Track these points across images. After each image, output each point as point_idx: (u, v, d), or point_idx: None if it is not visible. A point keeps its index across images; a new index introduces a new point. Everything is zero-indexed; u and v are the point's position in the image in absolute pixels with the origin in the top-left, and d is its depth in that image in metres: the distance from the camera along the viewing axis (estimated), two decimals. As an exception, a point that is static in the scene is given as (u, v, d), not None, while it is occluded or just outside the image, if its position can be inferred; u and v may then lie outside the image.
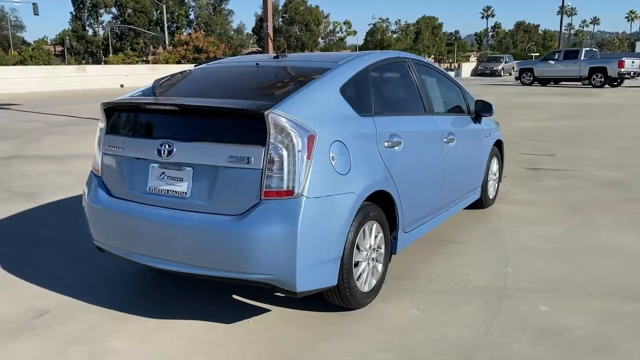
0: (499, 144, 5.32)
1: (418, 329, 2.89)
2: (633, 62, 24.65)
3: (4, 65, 49.24)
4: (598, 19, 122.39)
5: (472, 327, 2.90)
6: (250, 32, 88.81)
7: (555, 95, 20.59)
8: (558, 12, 51.20)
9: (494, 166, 5.28)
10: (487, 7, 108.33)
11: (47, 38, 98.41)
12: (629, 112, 14.57)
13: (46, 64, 52.25)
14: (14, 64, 53.47)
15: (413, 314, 3.06)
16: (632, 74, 24.86)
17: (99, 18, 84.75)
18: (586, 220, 4.84)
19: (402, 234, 3.44)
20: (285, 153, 2.59)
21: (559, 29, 51.08)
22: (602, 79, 24.60)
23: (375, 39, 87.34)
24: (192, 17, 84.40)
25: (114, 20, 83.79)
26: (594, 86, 24.79)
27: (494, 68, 41.12)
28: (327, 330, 2.88)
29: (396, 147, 3.30)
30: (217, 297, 3.26)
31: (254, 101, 2.76)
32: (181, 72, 3.60)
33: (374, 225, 3.10)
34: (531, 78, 27.30)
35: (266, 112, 2.59)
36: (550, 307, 3.13)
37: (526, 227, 4.65)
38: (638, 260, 3.86)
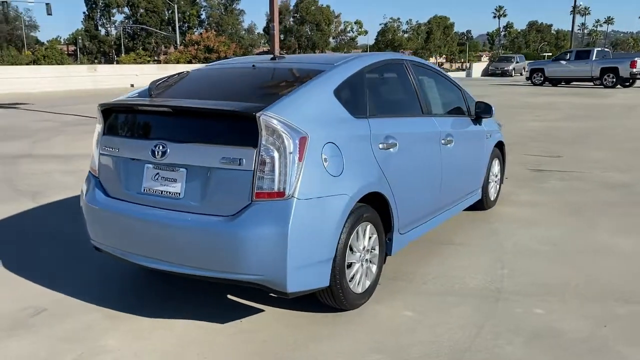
0: (500, 146, 5.30)
1: (411, 330, 2.89)
2: (645, 62, 24.32)
3: (17, 64, 49.90)
4: (612, 19, 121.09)
5: (465, 329, 2.90)
6: (262, 31, 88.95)
7: (566, 96, 20.39)
8: (571, 11, 50.63)
9: (495, 167, 5.26)
10: (499, 6, 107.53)
11: (60, 38, 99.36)
12: (640, 112, 14.42)
13: (59, 64, 52.66)
14: (27, 64, 54.01)
15: (406, 315, 3.07)
16: (644, 75, 24.52)
17: (112, 18, 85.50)
18: (587, 222, 4.80)
19: (397, 235, 3.43)
20: (276, 154, 2.61)
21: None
22: (614, 80, 24.30)
23: (386, 39, 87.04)
24: (203, 16, 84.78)
25: (126, 20, 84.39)
26: (606, 86, 24.49)
27: (505, 68, 40.74)
28: (319, 330, 2.89)
29: (391, 149, 3.30)
30: (211, 297, 3.29)
31: (246, 103, 2.78)
32: (178, 74, 3.63)
33: (368, 227, 3.10)
34: (542, 78, 27.03)
35: (258, 114, 2.60)
36: (546, 309, 3.11)
37: (526, 228, 4.62)
38: (635, 263, 3.83)
